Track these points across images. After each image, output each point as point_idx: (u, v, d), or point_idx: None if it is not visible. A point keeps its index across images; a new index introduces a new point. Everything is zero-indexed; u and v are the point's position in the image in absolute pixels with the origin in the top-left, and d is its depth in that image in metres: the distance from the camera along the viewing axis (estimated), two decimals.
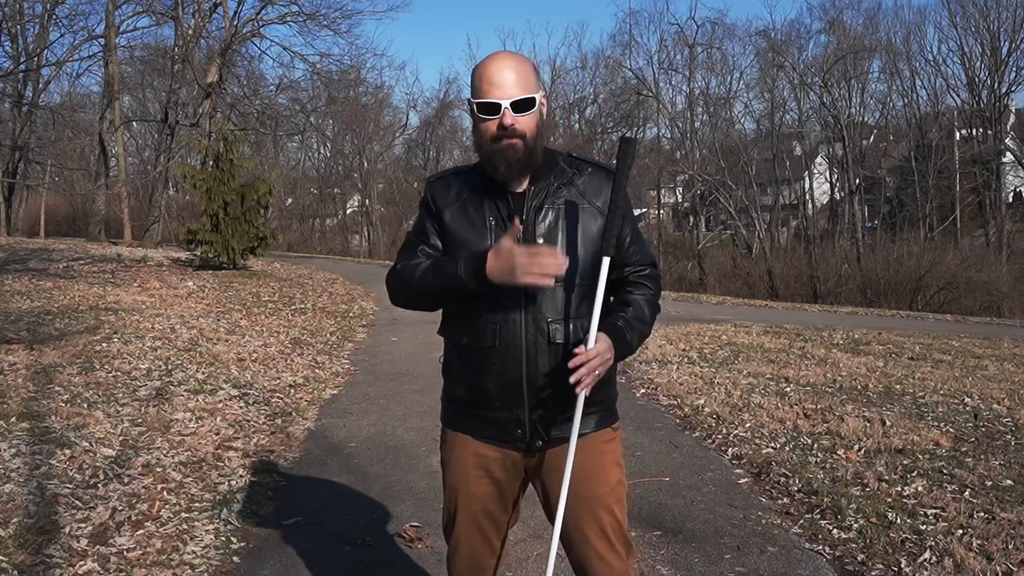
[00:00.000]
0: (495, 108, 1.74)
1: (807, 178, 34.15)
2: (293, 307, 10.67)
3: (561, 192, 1.85)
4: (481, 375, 1.82)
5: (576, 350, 1.71)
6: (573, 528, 1.87)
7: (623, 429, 2.02)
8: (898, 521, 3.42)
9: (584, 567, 1.89)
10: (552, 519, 1.88)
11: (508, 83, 1.74)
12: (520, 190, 1.84)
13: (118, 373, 5.71)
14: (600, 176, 1.88)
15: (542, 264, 1.66)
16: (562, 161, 1.89)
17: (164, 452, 4.18)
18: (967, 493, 3.76)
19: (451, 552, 2.00)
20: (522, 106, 1.75)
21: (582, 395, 1.74)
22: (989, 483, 3.90)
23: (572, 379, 1.69)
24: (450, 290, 1.79)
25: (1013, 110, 32.29)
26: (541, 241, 1.81)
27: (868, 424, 4.98)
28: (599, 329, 1.75)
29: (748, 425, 5.03)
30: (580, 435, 1.80)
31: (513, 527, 2.03)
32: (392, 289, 1.93)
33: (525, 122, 1.76)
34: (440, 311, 1.99)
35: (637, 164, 33.35)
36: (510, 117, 1.74)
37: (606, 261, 1.77)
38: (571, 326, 1.81)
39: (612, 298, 1.92)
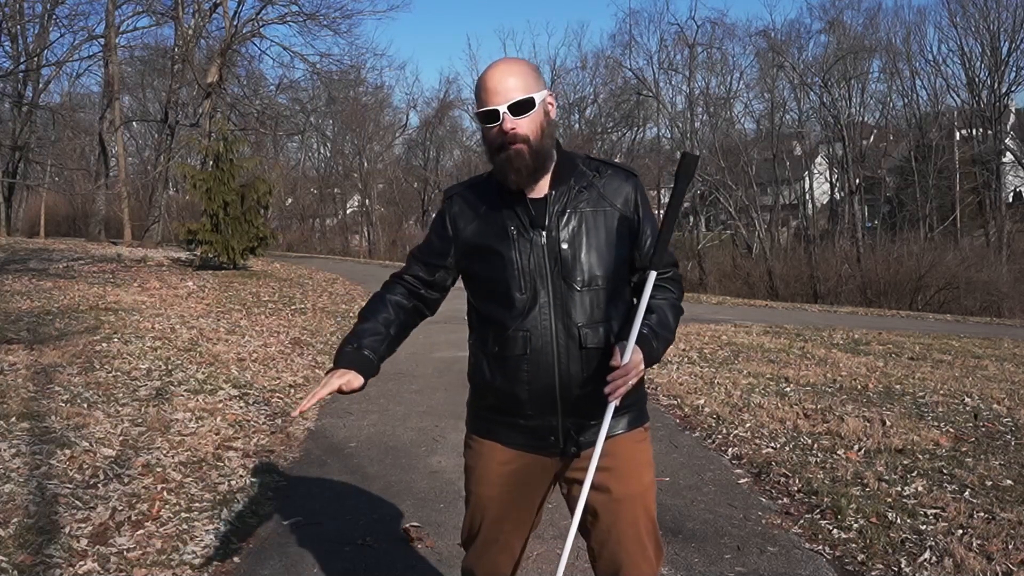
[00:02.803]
0: (494, 115, 1.72)
1: (807, 178, 34.14)
2: (293, 307, 10.67)
3: (582, 196, 1.82)
4: (513, 383, 1.80)
5: (612, 362, 1.70)
6: (605, 529, 1.85)
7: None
8: (898, 521, 3.42)
9: (613, 569, 1.86)
10: (581, 523, 1.85)
11: (506, 88, 1.72)
12: (540, 196, 1.81)
13: (118, 373, 5.71)
14: (619, 177, 1.87)
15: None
16: (581, 163, 1.87)
17: (164, 452, 4.17)
18: (967, 493, 3.76)
19: (473, 559, 1.97)
20: (520, 108, 1.72)
21: (613, 404, 1.73)
22: (989, 483, 3.90)
23: (607, 390, 1.68)
24: None
25: (1013, 110, 32.29)
26: (566, 247, 1.78)
27: (868, 424, 4.98)
28: (621, 340, 1.75)
29: (748, 425, 5.03)
30: (612, 436, 1.79)
31: (535, 531, 2.02)
32: None
33: (526, 124, 1.73)
34: (465, 316, 1.98)
35: (637, 164, 33.43)
36: (510, 121, 1.72)
37: (652, 275, 1.76)
38: (601, 330, 1.79)
39: (635, 300, 1.90)
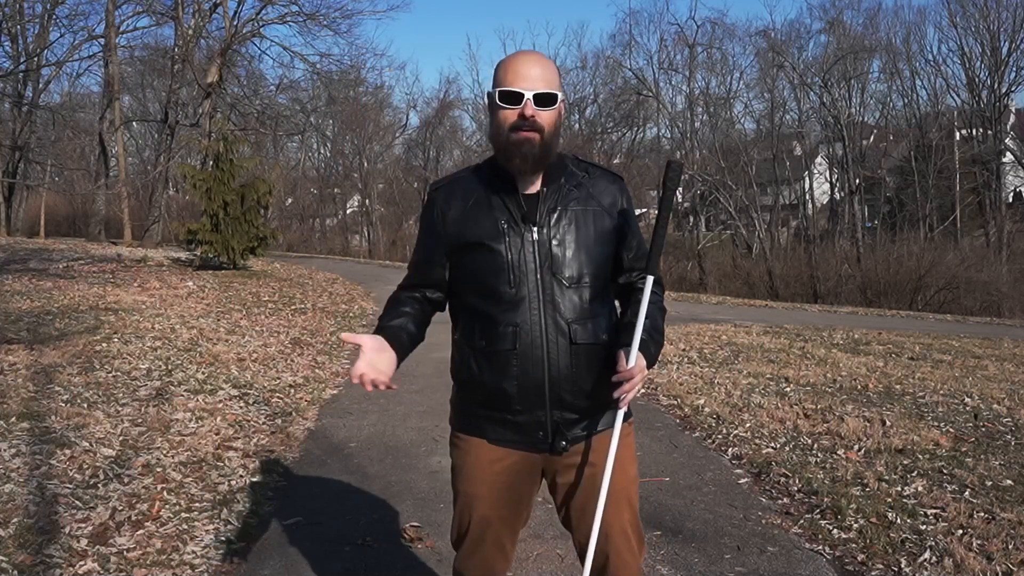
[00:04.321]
0: (518, 97, 1.75)
1: (807, 178, 34.14)
2: (293, 307, 10.67)
3: (573, 194, 1.85)
4: (501, 378, 1.81)
5: (619, 367, 1.75)
6: (592, 524, 1.86)
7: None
8: (898, 521, 3.42)
9: (601, 562, 1.88)
10: (566, 519, 1.89)
11: (533, 77, 1.76)
12: (532, 191, 1.83)
13: (118, 373, 5.71)
14: (606, 179, 1.91)
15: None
16: (571, 164, 1.90)
17: (164, 452, 4.17)
18: (967, 493, 3.76)
19: (463, 558, 1.97)
20: (544, 101, 1.76)
21: (622, 411, 1.79)
22: (989, 483, 3.90)
23: (616, 394, 1.74)
24: None
25: (1013, 110, 32.30)
26: (556, 244, 1.81)
27: (868, 424, 4.98)
28: (622, 345, 1.79)
29: (748, 425, 5.03)
30: (600, 431, 1.84)
31: (523, 526, 2.02)
32: None
33: (545, 117, 1.77)
34: (448, 313, 1.99)
35: (637, 164, 33.44)
36: (531, 108, 1.75)
37: (650, 280, 1.81)
38: (590, 326, 1.82)
39: (620, 303, 1.94)
